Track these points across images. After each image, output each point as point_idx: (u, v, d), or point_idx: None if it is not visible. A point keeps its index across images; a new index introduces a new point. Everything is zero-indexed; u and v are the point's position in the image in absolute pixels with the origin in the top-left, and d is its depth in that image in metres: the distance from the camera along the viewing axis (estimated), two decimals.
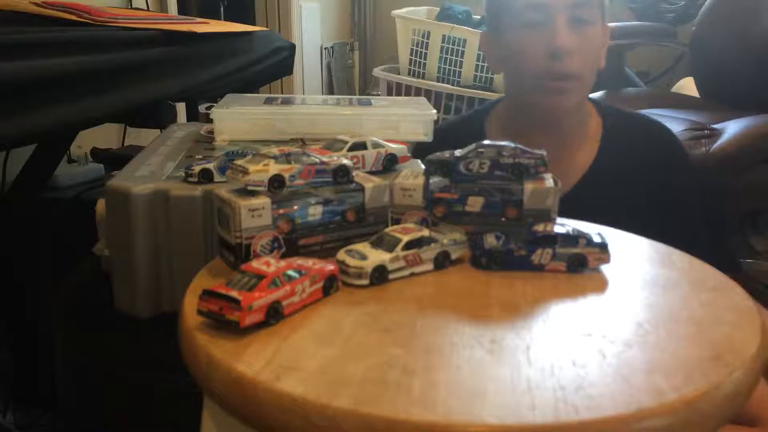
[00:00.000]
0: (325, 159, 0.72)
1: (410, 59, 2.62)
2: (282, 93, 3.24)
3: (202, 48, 1.35)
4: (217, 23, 1.57)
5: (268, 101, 1.04)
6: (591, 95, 1.24)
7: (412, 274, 0.69)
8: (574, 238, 0.70)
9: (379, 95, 2.74)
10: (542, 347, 0.56)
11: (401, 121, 0.98)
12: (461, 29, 2.50)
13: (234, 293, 0.57)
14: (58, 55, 1.07)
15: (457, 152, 0.74)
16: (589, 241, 0.70)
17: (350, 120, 0.98)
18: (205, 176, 0.83)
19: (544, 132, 1.15)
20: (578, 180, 1.16)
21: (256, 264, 0.61)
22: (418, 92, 2.49)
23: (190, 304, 0.61)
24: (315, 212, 0.71)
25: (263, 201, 0.68)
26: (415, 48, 2.60)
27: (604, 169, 1.16)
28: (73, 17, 1.28)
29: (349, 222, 0.73)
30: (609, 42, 1.17)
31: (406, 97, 2.45)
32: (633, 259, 0.76)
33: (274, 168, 0.68)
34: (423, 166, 0.79)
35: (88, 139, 1.74)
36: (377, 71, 2.70)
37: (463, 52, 2.48)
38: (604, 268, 0.71)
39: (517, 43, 1.13)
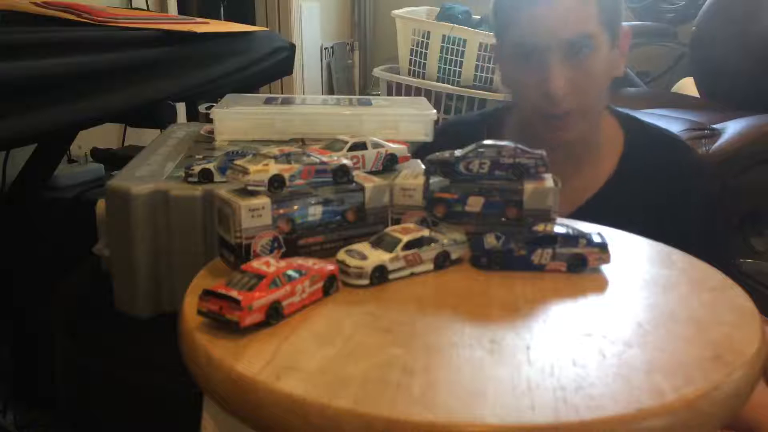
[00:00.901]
0: (325, 159, 0.72)
1: (410, 59, 2.61)
2: (282, 93, 3.23)
3: (202, 48, 1.35)
4: (217, 23, 1.57)
5: (268, 101, 1.04)
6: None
7: (412, 274, 0.69)
8: (574, 238, 0.70)
9: (379, 95, 2.74)
10: (542, 347, 0.56)
11: (401, 121, 0.98)
12: (461, 29, 2.49)
13: (234, 293, 0.57)
14: (58, 55, 1.07)
15: (457, 152, 0.74)
16: (589, 241, 0.70)
17: (350, 120, 0.98)
18: (205, 176, 0.83)
19: (553, 150, 1.08)
20: (592, 194, 1.12)
21: (256, 264, 0.61)
22: (418, 92, 2.49)
23: (190, 304, 0.61)
24: (315, 212, 0.71)
25: (263, 201, 0.68)
26: (415, 48, 2.59)
27: (621, 185, 1.12)
28: (74, 17, 1.28)
29: (349, 222, 0.73)
30: (629, 43, 1.10)
31: (406, 97, 2.45)
32: (633, 259, 0.76)
33: (274, 168, 0.68)
34: (423, 166, 0.79)
35: (88, 139, 1.74)
36: (377, 71, 2.70)
37: (463, 52, 2.47)
38: (604, 268, 0.71)
39: (514, 72, 1.10)
